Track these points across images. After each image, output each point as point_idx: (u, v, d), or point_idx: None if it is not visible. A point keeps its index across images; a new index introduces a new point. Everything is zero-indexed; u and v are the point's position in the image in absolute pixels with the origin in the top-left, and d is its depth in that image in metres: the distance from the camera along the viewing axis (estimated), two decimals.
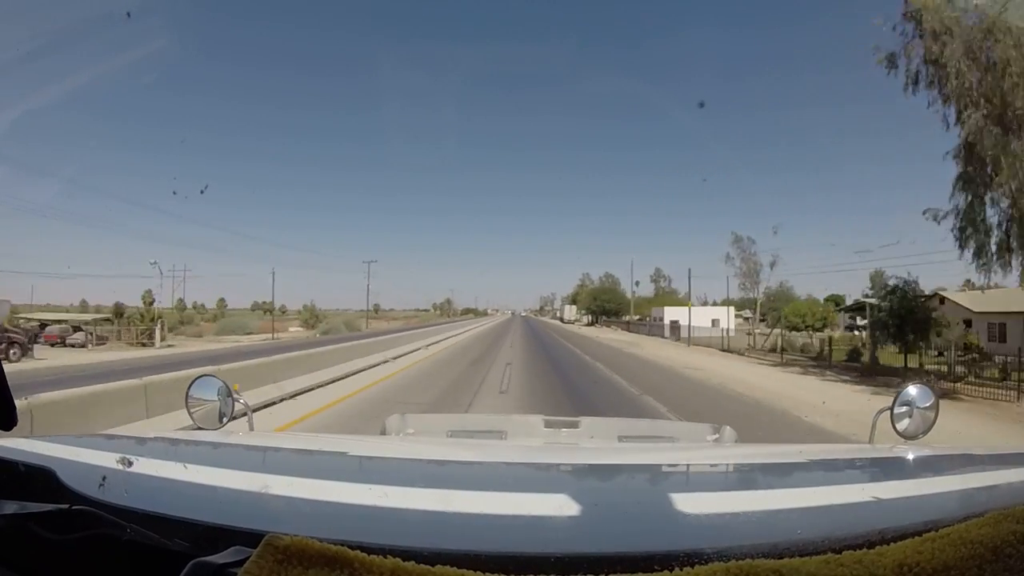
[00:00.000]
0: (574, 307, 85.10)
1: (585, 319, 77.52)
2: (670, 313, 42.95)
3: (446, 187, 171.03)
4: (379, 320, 76.75)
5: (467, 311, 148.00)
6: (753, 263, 37.86)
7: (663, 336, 40.11)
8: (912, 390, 1.43)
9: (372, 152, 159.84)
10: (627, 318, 60.71)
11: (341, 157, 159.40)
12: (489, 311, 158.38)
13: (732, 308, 43.16)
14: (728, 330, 31.65)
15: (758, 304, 29.02)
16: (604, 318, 69.37)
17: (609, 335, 42.69)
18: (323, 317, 64.16)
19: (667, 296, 62.05)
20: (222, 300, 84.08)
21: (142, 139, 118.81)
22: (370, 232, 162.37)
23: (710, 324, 34.46)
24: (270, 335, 43.44)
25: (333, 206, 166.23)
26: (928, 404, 1.40)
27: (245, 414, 1.59)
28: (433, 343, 24.86)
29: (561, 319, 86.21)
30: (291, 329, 52.29)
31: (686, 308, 37.23)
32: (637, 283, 69.54)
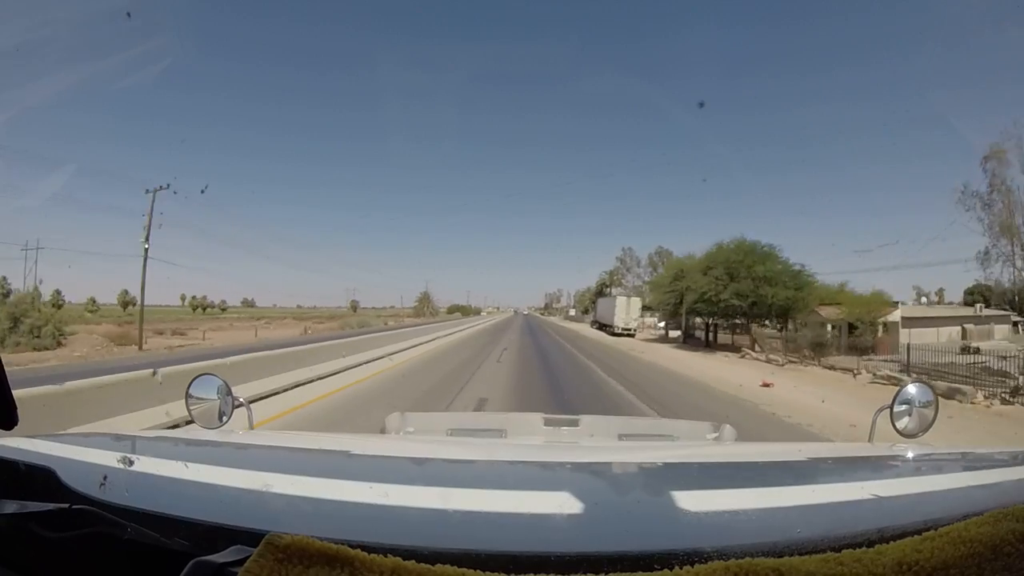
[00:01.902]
0: (638, 300, 39.40)
1: (642, 321, 39.27)
2: None
3: (445, 185, 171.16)
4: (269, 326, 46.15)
5: (454, 308, 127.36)
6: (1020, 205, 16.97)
7: None
8: (912, 388, 1.43)
9: (371, 150, 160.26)
10: (802, 324, 22.67)
11: (338, 154, 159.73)
12: (486, 310, 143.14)
13: None
14: None
15: None
16: (740, 323, 25.37)
17: None
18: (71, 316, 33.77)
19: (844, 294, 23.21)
20: (124, 292, 62.32)
21: (150, 134, 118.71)
22: (369, 230, 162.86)
23: None
24: None
25: (331, 203, 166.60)
26: (927, 402, 1.40)
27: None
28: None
29: (601, 325, 42.80)
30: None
31: None
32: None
